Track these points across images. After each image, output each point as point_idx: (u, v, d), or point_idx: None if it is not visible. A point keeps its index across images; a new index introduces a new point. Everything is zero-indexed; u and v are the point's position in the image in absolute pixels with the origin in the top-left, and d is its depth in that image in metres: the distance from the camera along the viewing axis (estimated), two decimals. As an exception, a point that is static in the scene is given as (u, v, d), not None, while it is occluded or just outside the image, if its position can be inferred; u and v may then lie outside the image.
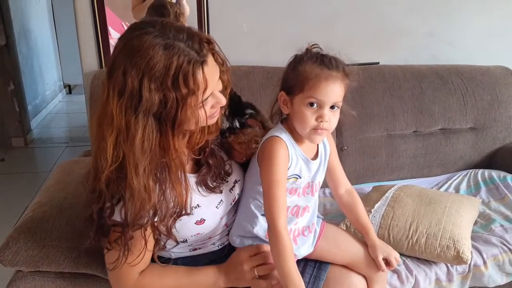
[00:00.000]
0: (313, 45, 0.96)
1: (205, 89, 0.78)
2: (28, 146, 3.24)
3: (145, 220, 0.81)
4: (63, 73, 4.47)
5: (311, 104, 0.90)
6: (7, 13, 3.04)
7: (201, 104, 0.79)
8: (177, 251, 1.00)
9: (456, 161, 1.73)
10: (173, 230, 0.87)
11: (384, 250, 1.04)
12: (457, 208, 1.32)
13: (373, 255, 1.04)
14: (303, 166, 0.97)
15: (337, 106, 0.92)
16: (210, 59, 0.80)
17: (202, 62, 0.77)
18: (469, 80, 1.73)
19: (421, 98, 1.67)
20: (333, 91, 0.89)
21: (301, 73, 0.91)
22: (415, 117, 1.66)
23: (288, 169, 0.95)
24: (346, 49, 1.84)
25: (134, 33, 0.76)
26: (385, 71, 1.71)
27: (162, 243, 0.90)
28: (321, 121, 0.90)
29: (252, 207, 0.99)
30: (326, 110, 0.90)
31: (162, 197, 0.82)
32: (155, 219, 0.83)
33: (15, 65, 3.17)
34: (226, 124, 0.98)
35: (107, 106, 0.76)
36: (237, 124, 0.99)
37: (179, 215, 0.86)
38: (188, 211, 0.87)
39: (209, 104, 0.82)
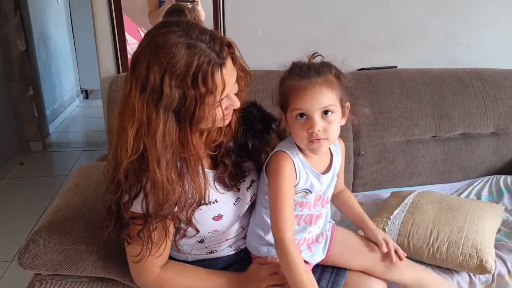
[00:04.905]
0: (313, 54, 0.95)
1: (223, 90, 0.80)
2: (46, 150, 3.30)
3: (167, 211, 0.83)
4: (80, 78, 4.56)
5: (301, 116, 0.89)
6: (27, 20, 3.11)
7: (218, 104, 0.81)
8: (194, 253, 1.01)
9: (477, 166, 1.69)
10: (193, 219, 0.88)
11: (383, 233, 1.05)
12: (479, 215, 1.28)
13: (373, 238, 1.04)
14: (314, 180, 0.96)
15: (331, 111, 0.89)
16: (229, 62, 0.82)
17: (221, 64, 0.79)
18: (490, 84, 1.69)
19: (440, 103, 1.64)
20: (316, 97, 0.87)
21: (284, 88, 0.92)
22: (434, 122, 1.63)
23: (297, 184, 0.94)
24: (363, 53, 1.84)
25: (160, 31, 0.79)
26: (403, 75, 1.68)
27: (182, 231, 0.91)
28: (312, 131, 0.88)
29: (264, 215, 0.99)
30: (316, 119, 0.88)
31: (181, 189, 0.84)
32: (175, 210, 0.84)
33: (35, 71, 3.24)
34: (240, 140, 0.98)
35: (129, 99, 0.79)
36: (251, 146, 0.99)
37: (199, 204, 0.87)
38: (207, 201, 0.88)
39: (223, 106, 0.84)
